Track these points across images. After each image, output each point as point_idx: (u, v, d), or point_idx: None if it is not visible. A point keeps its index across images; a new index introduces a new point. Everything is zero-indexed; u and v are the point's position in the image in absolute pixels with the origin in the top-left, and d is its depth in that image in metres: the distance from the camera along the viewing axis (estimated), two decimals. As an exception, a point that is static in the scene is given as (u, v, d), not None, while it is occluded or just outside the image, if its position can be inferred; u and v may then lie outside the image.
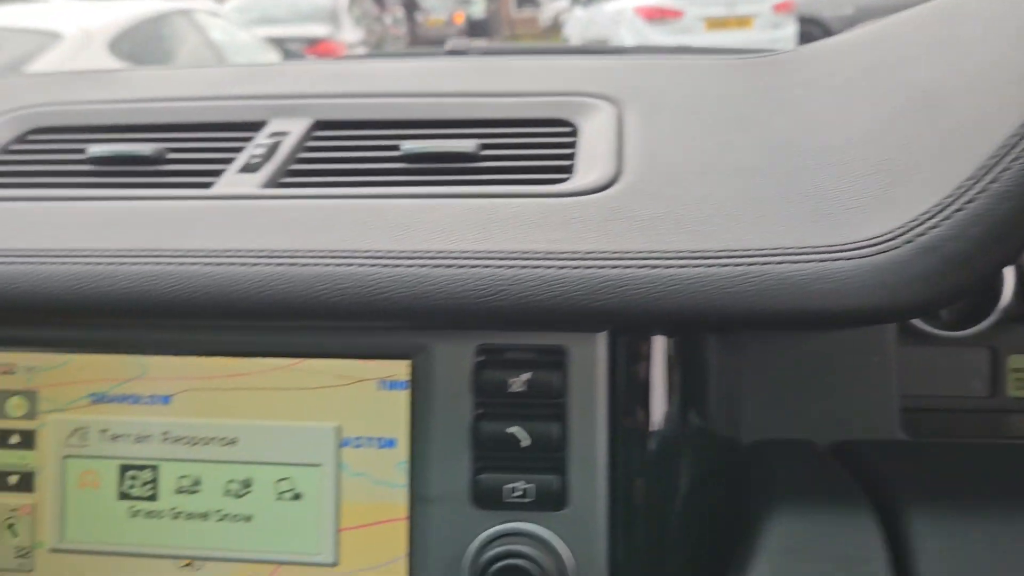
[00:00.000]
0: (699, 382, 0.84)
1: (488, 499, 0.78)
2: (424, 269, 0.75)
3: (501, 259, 0.75)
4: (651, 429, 0.80)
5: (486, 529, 0.78)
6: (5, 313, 0.83)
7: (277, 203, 0.87)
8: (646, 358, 0.80)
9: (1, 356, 0.88)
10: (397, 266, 0.76)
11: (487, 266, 0.75)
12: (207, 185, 0.92)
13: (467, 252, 0.76)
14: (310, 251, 0.78)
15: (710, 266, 0.73)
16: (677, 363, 0.82)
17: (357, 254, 0.77)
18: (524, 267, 0.74)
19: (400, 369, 0.82)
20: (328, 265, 0.76)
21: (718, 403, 0.87)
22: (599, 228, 0.78)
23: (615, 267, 0.74)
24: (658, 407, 0.80)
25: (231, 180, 0.94)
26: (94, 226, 0.85)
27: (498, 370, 0.79)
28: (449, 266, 0.75)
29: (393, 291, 0.75)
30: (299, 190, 0.90)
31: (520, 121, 1.01)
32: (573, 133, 0.99)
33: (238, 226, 0.83)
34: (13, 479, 0.87)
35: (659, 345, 0.81)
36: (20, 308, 0.80)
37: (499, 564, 0.74)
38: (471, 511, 0.79)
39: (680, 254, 0.74)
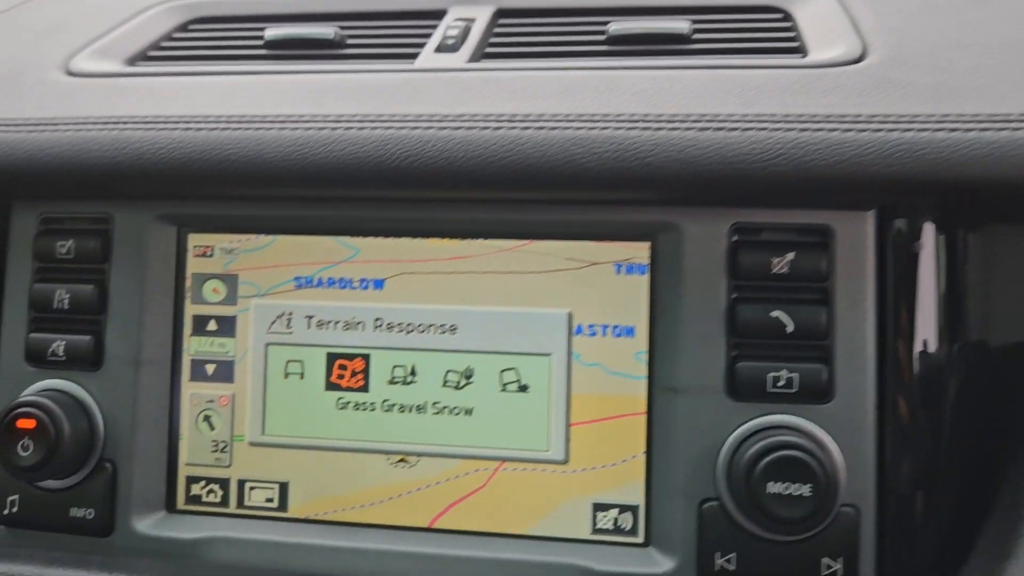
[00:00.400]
0: (961, 277, 0.77)
1: (747, 389, 0.71)
2: (690, 132, 0.68)
3: (777, 122, 0.68)
4: (918, 321, 0.73)
5: (745, 422, 0.71)
6: (207, 188, 0.77)
7: (493, 75, 0.80)
8: (915, 246, 0.73)
9: (197, 238, 0.82)
10: (659, 129, 0.69)
11: (762, 128, 0.68)
12: (411, 58, 0.85)
13: (735, 115, 0.69)
14: (555, 115, 0.71)
15: (1016, 129, 0.66)
16: (944, 255, 0.74)
17: (610, 117, 0.70)
18: (804, 129, 0.67)
19: (640, 251, 0.76)
20: (580, 128, 0.70)
21: (977, 301, 0.79)
22: (874, 94, 0.70)
23: (907, 130, 0.66)
24: (927, 299, 0.73)
25: (431, 58, 0.87)
26: (300, 96, 0.79)
27: (757, 250, 0.72)
28: (718, 129, 0.68)
29: (655, 155, 0.68)
30: (510, 61, 0.83)
31: (728, 8, 0.94)
32: (787, 18, 0.92)
33: (460, 94, 0.76)
34: (210, 368, 0.82)
35: (928, 232, 0.73)
36: (232, 179, 0.75)
37: (771, 457, 0.67)
38: (726, 403, 0.72)
39: (977, 118, 0.67)
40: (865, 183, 0.67)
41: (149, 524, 0.80)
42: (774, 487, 0.67)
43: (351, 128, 0.73)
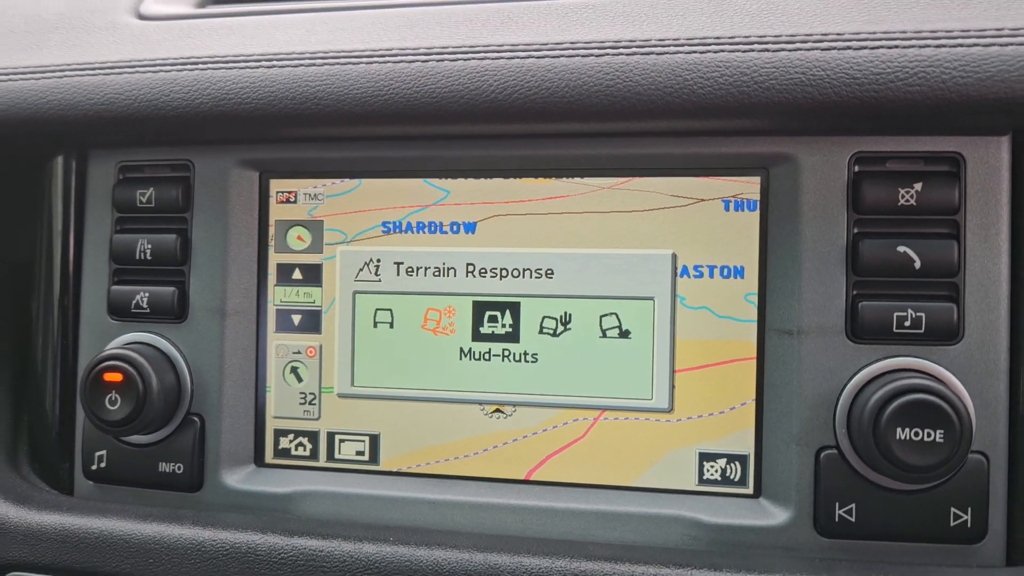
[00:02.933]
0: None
1: (870, 330, 0.67)
2: (813, 52, 0.63)
3: (909, 38, 0.62)
4: (1055, 255, 0.68)
5: (868, 364, 0.67)
6: (291, 129, 0.74)
7: (593, 1, 0.75)
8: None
9: (280, 183, 0.79)
10: (779, 50, 0.64)
11: (893, 46, 0.62)
12: (497, -8, 0.81)
13: (861, 33, 0.64)
14: (663, 40, 0.66)
15: None
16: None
17: (723, 40, 0.65)
18: (941, 46, 0.62)
19: (751, 185, 0.71)
20: (692, 52, 0.65)
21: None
22: (1016, 4, 0.64)
23: (1058, 42, 0.61)
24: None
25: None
26: (387, 29, 0.74)
27: (881, 181, 0.67)
28: (844, 48, 0.63)
29: (776, 79, 0.63)
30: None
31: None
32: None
33: (558, 21, 0.71)
34: (296, 318, 0.79)
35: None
36: (318, 118, 0.71)
37: (901, 401, 0.63)
38: (846, 345, 0.68)
39: None
40: (1009, 103, 0.61)
41: (238, 478, 0.78)
42: (903, 433, 0.63)
43: (443, 60, 0.69)
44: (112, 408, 0.75)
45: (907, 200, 0.67)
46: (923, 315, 0.66)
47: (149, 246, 0.79)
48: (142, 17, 0.86)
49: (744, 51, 0.64)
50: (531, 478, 0.75)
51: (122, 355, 0.76)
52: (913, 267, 0.66)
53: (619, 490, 0.73)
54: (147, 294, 0.79)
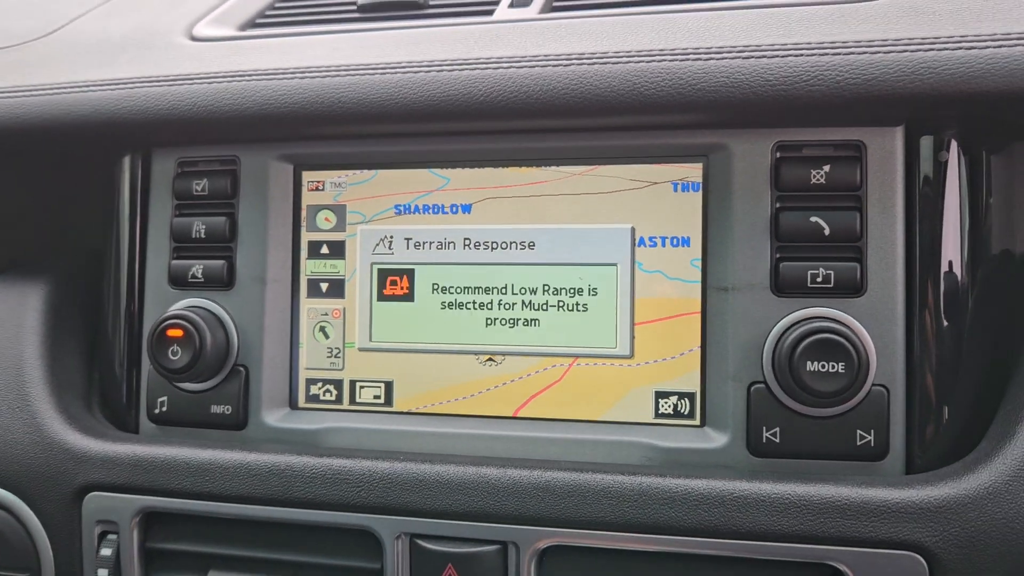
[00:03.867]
0: (984, 191, 0.86)
1: (789, 286, 0.82)
2: (736, 61, 0.79)
3: (812, 48, 0.78)
4: (945, 225, 0.82)
5: (788, 314, 0.82)
6: (320, 128, 0.91)
7: (563, 22, 0.91)
8: (940, 155, 0.82)
9: (311, 174, 0.96)
10: (708, 59, 0.80)
11: (799, 55, 0.78)
12: (488, 13, 0.97)
13: (775, 45, 0.79)
14: (617, 52, 0.82)
15: (1026, 47, 0.75)
16: (966, 169, 0.83)
17: (666, 52, 0.81)
18: (837, 54, 0.77)
19: (694, 171, 0.86)
20: (640, 62, 0.81)
21: (1000, 213, 0.88)
22: (902, 21, 0.80)
23: (929, 50, 0.76)
24: (951, 205, 0.82)
25: (506, 12, 0.99)
26: (396, 47, 0.91)
27: (797, 165, 0.82)
28: (760, 57, 0.79)
29: (707, 82, 0.79)
30: (577, 12, 0.95)
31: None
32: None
33: (535, 39, 0.88)
34: (324, 286, 0.95)
35: (953, 148, 0.82)
36: (342, 118, 0.88)
37: (809, 340, 0.78)
38: (771, 298, 0.83)
39: (994, 36, 0.76)
40: (892, 99, 0.76)
41: (276, 418, 0.95)
42: (812, 365, 0.78)
43: (442, 71, 0.85)
44: (174, 358, 0.92)
45: (818, 179, 0.82)
46: (832, 273, 0.81)
47: (203, 227, 0.96)
48: (195, 39, 1.04)
49: (682, 60, 0.80)
50: (518, 415, 0.90)
51: (182, 315, 0.92)
52: (823, 234, 0.81)
53: (589, 423, 0.89)
54: (201, 266, 0.96)
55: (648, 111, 0.81)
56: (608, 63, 0.82)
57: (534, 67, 0.83)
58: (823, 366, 0.78)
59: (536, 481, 0.81)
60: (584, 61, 0.82)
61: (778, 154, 0.83)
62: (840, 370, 0.77)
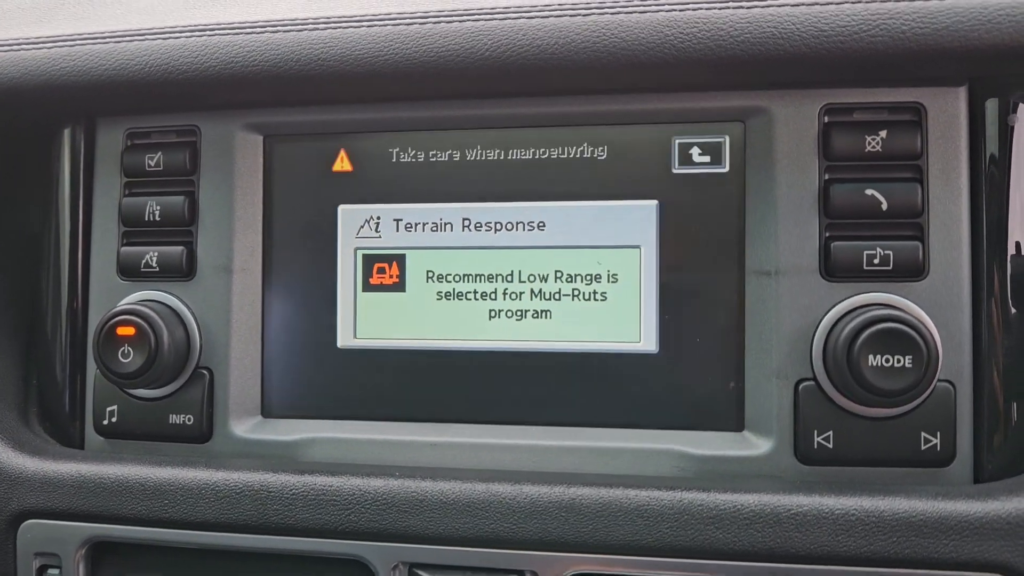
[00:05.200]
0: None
1: (842, 269, 0.72)
2: (784, 8, 0.68)
3: (872, -7, 0.68)
4: (1013, 198, 0.73)
5: (840, 300, 0.72)
6: (296, 92, 0.78)
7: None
8: (1010, 119, 0.72)
9: (285, 147, 0.83)
10: (752, 7, 0.69)
11: (858, 0, 0.67)
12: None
13: (829, -10, 0.69)
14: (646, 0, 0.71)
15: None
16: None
17: (701, -1, 0.70)
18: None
19: (731, 134, 0.76)
20: (672, 10, 0.70)
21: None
22: (970, -36, 0.70)
23: (1008, -5, 0.66)
24: (1020, 175, 0.73)
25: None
26: None
27: (849, 130, 0.72)
28: (811, 4, 0.68)
29: (749, 34, 0.68)
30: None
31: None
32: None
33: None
34: (300, 275, 0.83)
35: (1022, 112, 0.73)
36: (323, 80, 0.75)
37: (871, 330, 0.67)
38: (820, 283, 0.73)
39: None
40: (963, 53, 0.66)
41: (246, 428, 0.82)
42: (874, 360, 0.67)
43: (439, 22, 0.73)
44: (125, 361, 0.79)
45: (873, 147, 0.72)
46: (891, 253, 0.71)
47: (158, 208, 0.83)
48: (146, -8, 0.90)
49: (720, 8, 0.69)
50: (529, 420, 0.79)
51: (134, 310, 0.79)
52: (880, 209, 0.71)
53: (612, 429, 0.77)
54: (156, 254, 0.83)
55: (680, 68, 0.70)
56: (634, 11, 0.70)
57: (547, 17, 0.71)
58: (887, 360, 0.67)
59: (558, 499, 0.69)
60: (606, 9, 0.71)
61: (826, 118, 0.73)
62: (907, 365, 0.67)
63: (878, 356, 0.68)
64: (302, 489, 0.73)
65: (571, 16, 0.71)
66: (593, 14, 0.71)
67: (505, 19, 0.72)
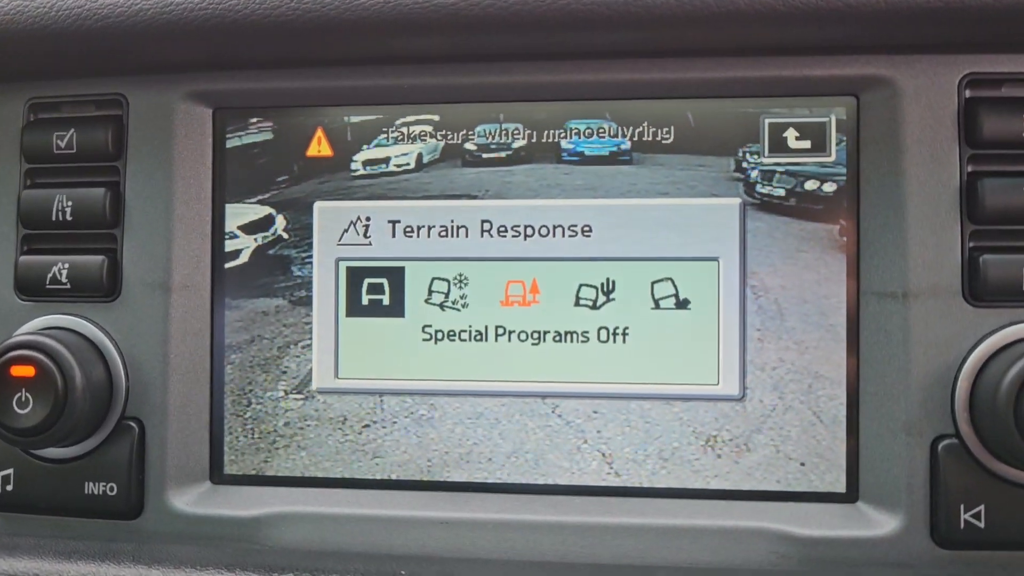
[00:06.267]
0: None
1: (995, 290, 0.55)
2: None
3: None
4: None
5: (992, 332, 0.55)
6: (254, 49, 0.58)
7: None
8: None
9: (240, 122, 0.63)
10: (885, -62, 0.51)
11: (1032, -71, 0.50)
12: None
13: (989, -83, 0.51)
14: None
15: None
16: None
17: (818, -72, 0.52)
18: (1092, -72, 0.50)
19: (840, 118, 0.58)
20: (778, -59, 0.52)
21: None
22: None
23: None
24: None
25: None
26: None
27: (1001, 108, 0.55)
28: (968, -66, 0.51)
29: (885, -25, 0.50)
30: None
31: None
32: None
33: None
34: (263, 294, 0.63)
35: None
36: (293, 27, 0.55)
37: (1049, 375, 0.50)
38: (965, 309, 0.55)
39: None
40: None
41: (190, 499, 0.62)
42: (1049, 415, 0.50)
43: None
44: (22, 412, 0.58)
45: (1034, 131, 0.55)
46: (1060, 269, 0.54)
47: (70, 204, 0.63)
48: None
49: (842, -60, 0.51)
50: (572, 486, 0.60)
51: (34, 342, 0.59)
52: (1048, 211, 0.54)
53: (685, 498, 0.59)
54: (67, 265, 0.63)
55: (780, 22, 0.52)
56: (727, -57, 0.52)
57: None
58: (1067, 415, 0.50)
59: (627, 608, 0.51)
60: (686, -61, 0.52)
61: (969, 93, 0.56)
62: (1095, 421, 0.50)
63: (1054, 410, 0.50)
64: (268, 595, 0.53)
65: (638, -54, 0.52)
66: (667, -56, 0.52)
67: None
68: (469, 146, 0.61)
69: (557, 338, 0.60)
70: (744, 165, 0.59)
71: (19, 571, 0.56)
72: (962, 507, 0.55)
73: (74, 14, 0.57)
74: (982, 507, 0.55)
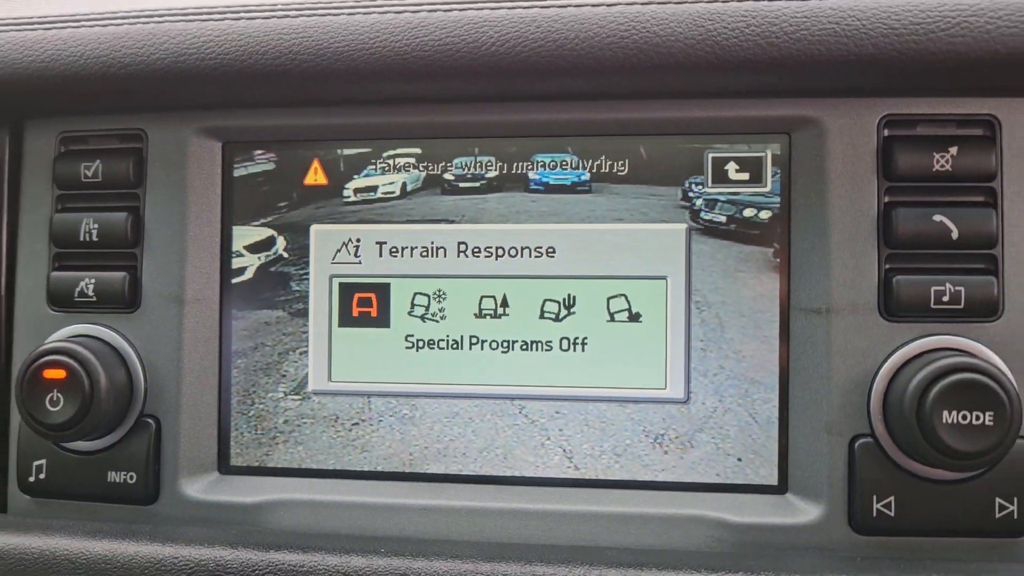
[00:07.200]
0: None
1: (906, 307, 0.61)
2: (848, 1, 0.58)
3: (949, -14, 0.57)
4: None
5: (904, 344, 0.62)
6: (261, 91, 0.66)
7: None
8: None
9: (244, 154, 0.71)
10: (809, -1, 0.58)
11: (933, -8, 0.57)
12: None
13: (899, -19, 0.58)
14: (681, -11, 0.60)
15: None
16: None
17: (748, -11, 0.59)
18: (984, -7, 0.57)
19: (774, 148, 0.65)
20: (715, 0, 0.59)
21: None
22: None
23: (1107, -10, 0.56)
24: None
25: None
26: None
27: (914, 146, 0.62)
28: (880, -3, 0.58)
29: (807, 31, 0.58)
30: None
31: None
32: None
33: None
34: (265, 306, 0.71)
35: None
36: (297, 76, 0.63)
37: (947, 381, 0.57)
38: (879, 324, 0.62)
39: None
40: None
41: (200, 488, 0.69)
42: (950, 417, 0.57)
43: (436, 9, 0.61)
44: (54, 409, 0.66)
45: (942, 166, 0.62)
46: (962, 289, 0.61)
47: (95, 226, 0.70)
48: (86, -26, 0.77)
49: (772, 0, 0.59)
50: (536, 478, 0.67)
51: (65, 348, 0.66)
52: (950, 237, 0.61)
53: (631, 488, 0.66)
54: (93, 280, 0.70)
55: (722, 70, 0.59)
56: (669, 2, 0.59)
57: (566, 6, 0.60)
58: (964, 417, 0.57)
59: (577, 583, 0.58)
60: None
61: (887, 132, 0.63)
62: (987, 422, 0.57)
63: (954, 412, 0.57)
64: (266, 569, 0.61)
65: (593, 6, 0.60)
66: (620, 3, 0.60)
67: (515, 7, 0.61)
68: (447, 176, 0.69)
69: (524, 347, 0.68)
70: (690, 194, 0.66)
71: (51, 547, 0.64)
72: (875, 498, 0.62)
73: (102, 63, 0.65)
74: (892, 498, 0.61)
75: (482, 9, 0.61)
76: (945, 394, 0.57)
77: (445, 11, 0.61)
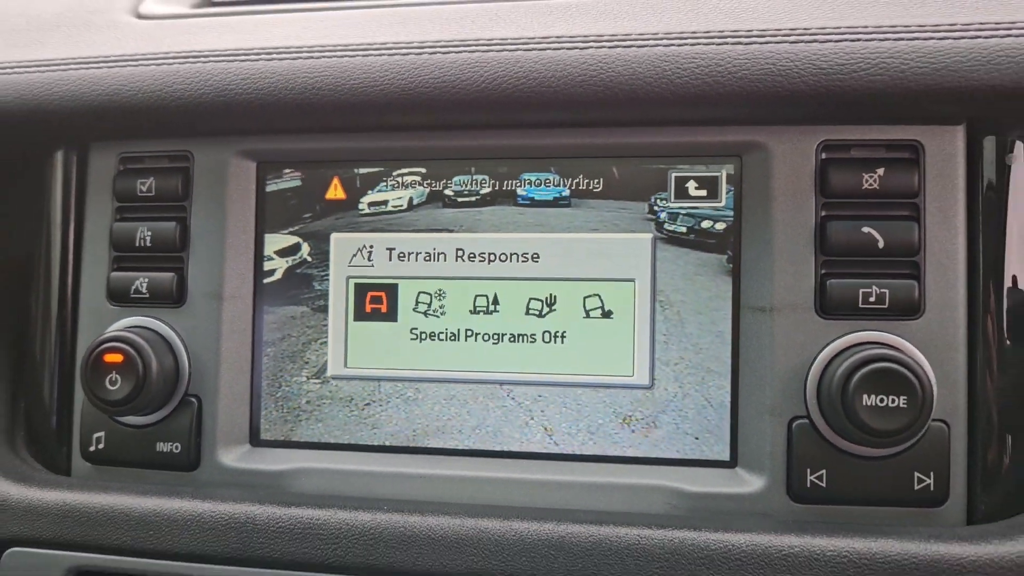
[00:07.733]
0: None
1: (837, 307, 0.71)
2: (783, 45, 0.68)
3: (870, 33, 0.67)
4: (1009, 237, 0.72)
5: (835, 338, 0.71)
6: (290, 120, 0.77)
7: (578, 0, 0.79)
8: (1007, 158, 0.72)
9: (278, 174, 0.82)
10: (750, 43, 0.68)
11: (856, 39, 0.67)
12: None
13: (827, 28, 0.68)
14: (643, 34, 0.71)
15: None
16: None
17: (699, 35, 0.70)
18: (900, 39, 0.67)
19: (728, 168, 0.75)
20: (669, 45, 0.69)
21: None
22: (965, 5, 0.70)
23: (1006, 36, 0.66)
24: (1018, 214, 0.72)
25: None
26: (379, 25, 0.78)
27: (846, 167, 0.72)
28: (811, 41, 0.68)
29: (749, 69, 0.68)
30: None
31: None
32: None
33: (544, 18, 0.76)
34: (292, 303, 0.82)
35: (1019, 150, 0.72)
36: (317, 108, 0.74)
37: (866, 369, 0.67)
38: (815, 321, 0.72)
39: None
40: (962, 92, 0.66)
41: (234, 457, 0.81)
42: (869, 400, 0.67)
43: (435, 53, 0.73)
44: (112, 388, 0.78)
45: (871, 184, 0.71)
46: (886, 292, 0.71)
47: (149, 233, 0.82)
48: (141, 16, 0.90)
49: (719, 44, 0.69)
50: (518, 452, 0.78)
51: (123, 337, 0.78)
52: (877, 247, 0.71)
53: (603, 463, 0.77)
54: (146, 279, 0.82)
55: (677, 103, 0.70)
56: (632, 46, 0.70)
57: (544, 50, 0.71)
58: (881, 400, 0.67)
59: (548, 536, 0.69)
60: (604, 43, 0.70)
61: (824, 155, 0.73)
62: (901, 405, 0.67)
63: (872, 396, 0.67)
64: (288, 522, 0.72)
65: (568, 49, 0.71)
66: (591, 47, 0.70)
67: (502, 51, 0.72)
68: (448, 192, 0.80)
69: (512, 339, 0.78)
70: (655, 208, 0.77)
71: (109, 503, 0.76)
72: (809, 471, 0.71)
73: (156, 96, 0.76)
74: (824, 471, 0.71)
75: (474, 52, 0.72)
76: (865, 380, 0.67)
77: (443, 53, 0.72)
